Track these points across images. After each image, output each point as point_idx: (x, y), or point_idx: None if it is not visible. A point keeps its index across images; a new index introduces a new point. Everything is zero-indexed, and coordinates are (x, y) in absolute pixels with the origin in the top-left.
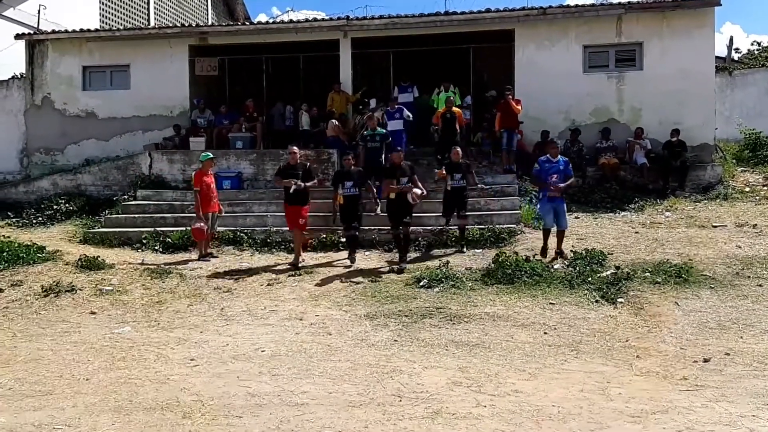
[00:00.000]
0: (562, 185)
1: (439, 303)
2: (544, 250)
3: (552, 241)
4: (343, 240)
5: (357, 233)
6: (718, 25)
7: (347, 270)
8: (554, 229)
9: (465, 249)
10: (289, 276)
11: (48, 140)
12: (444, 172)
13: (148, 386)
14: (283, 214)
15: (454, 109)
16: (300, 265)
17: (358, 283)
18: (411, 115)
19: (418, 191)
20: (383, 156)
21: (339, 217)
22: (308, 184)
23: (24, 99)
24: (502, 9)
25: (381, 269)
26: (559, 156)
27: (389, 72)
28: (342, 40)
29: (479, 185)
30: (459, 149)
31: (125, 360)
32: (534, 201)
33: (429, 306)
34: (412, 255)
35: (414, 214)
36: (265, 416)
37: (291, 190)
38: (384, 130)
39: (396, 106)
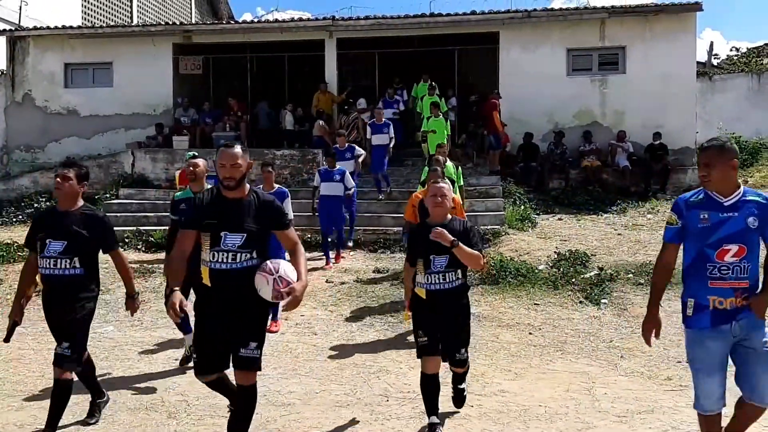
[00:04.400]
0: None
1: None
2: None
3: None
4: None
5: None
6: (699, 30)
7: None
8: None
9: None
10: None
11: (29, 137)
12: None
13: (132, 386)
14: None
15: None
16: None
17: (343, 283)
18: (393, 139)
19: (292, 282)
20: None
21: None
22: None
23: (4, 96)
24: (487, 11)
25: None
26: (742, 188)
27: (374, 73)
28: (327, 41)
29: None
30: (445, 187)
31: (108, 360)
32: (518, 202)
33: None
34: (397, 255)
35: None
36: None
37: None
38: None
39: (384, 120)
